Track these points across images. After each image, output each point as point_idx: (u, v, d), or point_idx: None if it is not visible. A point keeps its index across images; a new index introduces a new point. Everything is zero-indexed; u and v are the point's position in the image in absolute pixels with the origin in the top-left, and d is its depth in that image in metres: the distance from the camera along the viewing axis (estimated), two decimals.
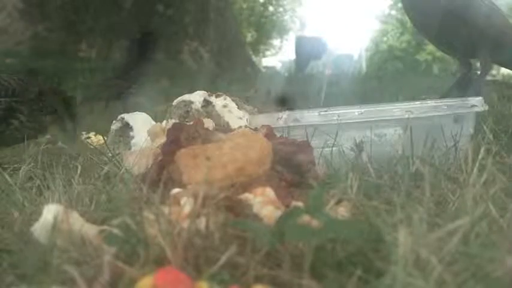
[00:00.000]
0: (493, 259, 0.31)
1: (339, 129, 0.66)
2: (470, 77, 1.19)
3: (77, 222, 0.38)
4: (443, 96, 1.06)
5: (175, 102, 0.97)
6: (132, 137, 0.91)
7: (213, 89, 1.01)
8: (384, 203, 0.41)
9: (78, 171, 0.58)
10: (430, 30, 1.20)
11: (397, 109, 0.69)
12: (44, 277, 0.33)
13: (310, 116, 0.72)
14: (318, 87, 1.69)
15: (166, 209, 0.38)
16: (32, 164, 0.70)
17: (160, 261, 0.33)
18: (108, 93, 1.83)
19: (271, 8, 10.95)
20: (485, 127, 0.68)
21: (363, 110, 0.70)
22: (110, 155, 0.73)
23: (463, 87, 1.13)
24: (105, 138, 0.96)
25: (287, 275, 0.31)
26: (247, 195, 0.42)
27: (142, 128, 0.87)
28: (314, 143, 0.60)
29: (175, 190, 0.43)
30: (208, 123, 0.69)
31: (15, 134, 0.84)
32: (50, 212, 0.38)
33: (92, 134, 1.17)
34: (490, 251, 0.32)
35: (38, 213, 0.40)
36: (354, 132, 0.68)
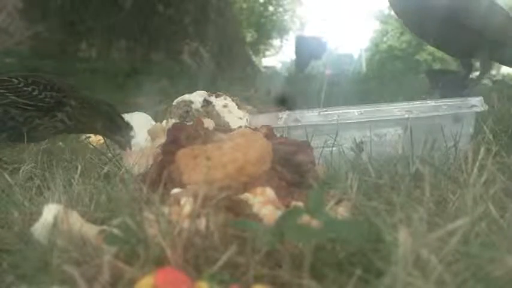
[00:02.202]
0: (493, 259, 0.31)
1: (339, 129, 0.66)
2: (465, 76, 1.18)
3: (77, 222, 0.38)
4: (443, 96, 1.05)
5: (175, 102, 0.97)
6: (132, 137, 0.91)
7: (213, 89, 1.01)
8: (384, 203, 0.41)
9: (78, 171, 0.58)
10: (427, 34, 1.18)
11: (397, 109, 0.69)
12: (44, 277, 0.33)
13: (310, 116, 0.72)
14: (318, 87, 1.69)
15: (166, 209, 0.38)
16: (32, 164, 0.70)
17: (160, 261, 0.33)
18: None
19: (271, 8, 10.96)
20: (485, 127, 0.68)
21: (363, 110, 0.70)
22: (110, 155, 0.73)
23: (453, 87, 1.11)
24: (105, 138, 0.96)
25: (287, 275, 0.31)
26: (247, 195, 0.42)
27: (143, 128, 0.87)
28: (314, 143, 0.60)
29: (175, 190, 0.43)
30: (208, 123, 0.69)
31: (58, 125, 0.85)
32: (50, 212, 0.38)
33: (92, 134, 1.17)
34: (490, 251, 0.32)
35: (38, 213, 0.40)
36: (354, 132, 0.68)
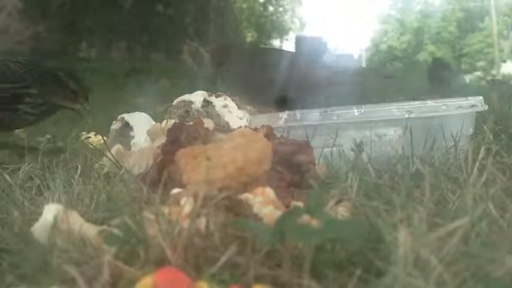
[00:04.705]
0: (493, 259, 0.31)
1: (339, 129, 0.66)
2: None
3: (77, 222, 0.38)
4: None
5: (175, 102, 0.97)
6: (132, 137, 0.91)
7: (213, 89, 1.01)
8: (384, 203, 0.41)
9: (78, 171, 0.58)
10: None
11: (397, 109, 0.69)
12: (44, 277, 0.33)
13: (310, 116, 0.72)
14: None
15: (166, 209, 0.38)
16: (32, 164, 0.70)
17: (160, 261, 0.33)
18: None
19: (271, 8, 10.96)
20: (485, 127, 0.68)
21: (363, 110, 0.70)
22: (111, 156, 0.73)
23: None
24: (105, 138, 0.96)
25: (287, 275, 0.31)
26: (247, 195, 0.42)
27: (142, 128, 0.87)
28: (314, 143, 0.60)
29: (175, 190, 0.43)
30: (208, 123, 0.69)
31: (25, 117, 0.81)
32: (50, 211, 0.38)
33: (92, 134, 1.17)
34: (490, 251, 0.32)
35: (38, 213, 0.40)
36: (354, 132, 0.68)
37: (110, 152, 0.73)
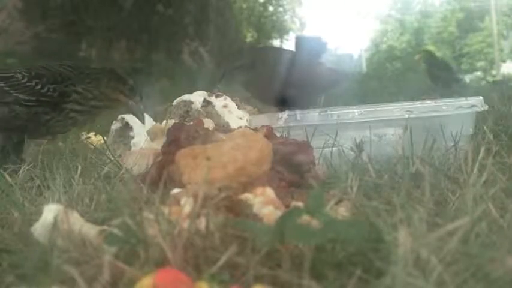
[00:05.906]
0: (493, 259, 0.31)
1: (338, 129, 0.66)
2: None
3: (77, 222, 0.38)
4: None
5: (175, 102, 0.97)
6: (132, 137, 0.91)
7: (213, 89, 1.01)
8: (384, 203, 0.41)
9: (78, 171, 0.58)
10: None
11: (397, 109, 0.69)
12: (44, 277, 0.33)
13: (310, 116, 0.72)
14: None
15: (166, 209, 0.38)
16: (32, 164, 0.70)
17: (160, 261, 0.33)
18: None
19: (271, 8, 10.96)
20: (485, 127, 0.68)
21: (362, 110, 0.70)
22: (111, 156, 0.73)
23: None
24: (105, 139, 0.96)
25: (287, 275, 0.31)
26: (247, 195, 0.42)
27: (142, 128, 0.87)
28: (314, 143, 0.60)
29: (175, 190, 0.43)
30: (208, 123, 0.70)
31: (72, 116, 0.81)
32: (50, 212, 0.38)
33: (92, 134, 1.17)
34: (490, 251, 0.32)
35: (38, 213, 0.40)
36: (354, 132, 0.68)
37: (110, 152, 0.73)
